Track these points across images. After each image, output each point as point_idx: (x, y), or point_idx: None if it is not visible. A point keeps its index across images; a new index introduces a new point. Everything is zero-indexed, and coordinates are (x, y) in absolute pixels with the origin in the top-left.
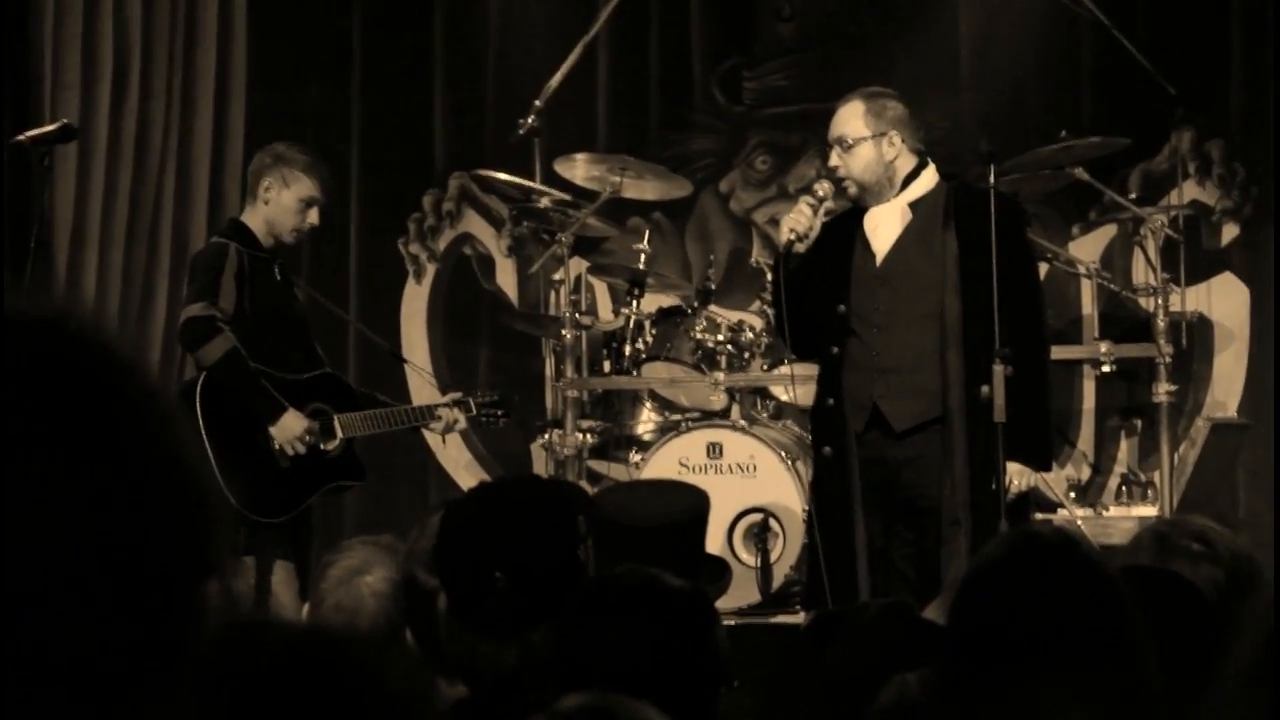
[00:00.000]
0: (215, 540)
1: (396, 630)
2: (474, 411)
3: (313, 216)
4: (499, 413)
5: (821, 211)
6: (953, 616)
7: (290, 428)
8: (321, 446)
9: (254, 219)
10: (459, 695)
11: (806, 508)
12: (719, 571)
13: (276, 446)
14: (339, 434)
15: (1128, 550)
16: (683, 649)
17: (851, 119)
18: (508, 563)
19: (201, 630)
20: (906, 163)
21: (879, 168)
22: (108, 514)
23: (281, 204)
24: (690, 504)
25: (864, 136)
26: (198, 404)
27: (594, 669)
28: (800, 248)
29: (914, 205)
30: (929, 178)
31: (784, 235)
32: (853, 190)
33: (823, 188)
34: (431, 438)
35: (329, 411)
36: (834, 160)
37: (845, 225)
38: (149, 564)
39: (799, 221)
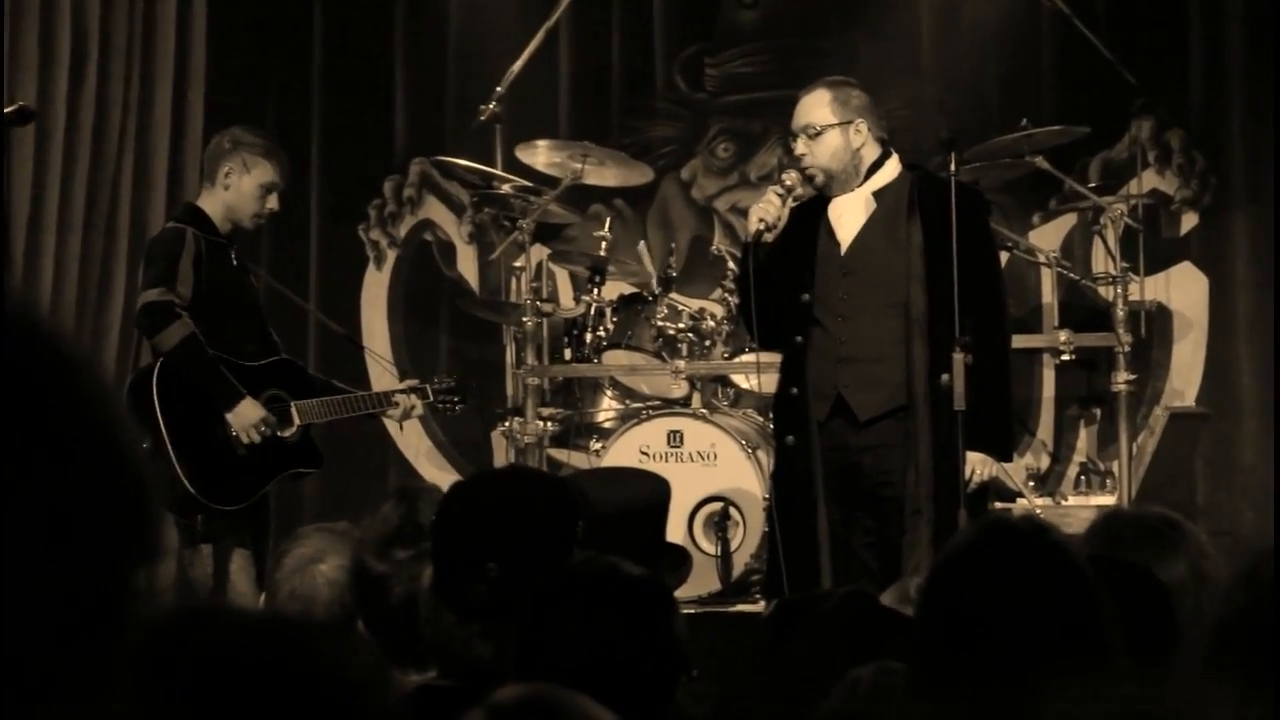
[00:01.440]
0: (150, 527)
1: (351, 618)
2: (430, 398)
3: (273, 202)
4: (455, 399)
5: (790, 201)
6: (923, 603)
7: (247, 415)
8: (279, 434)
9: (212, 204)
10: (416, 682)
11: (767, 497)
12: (679, 560)
13: (233, 434)
14: (296, 421)
15: (1086, 537)
16: (641, 637)
17: (817, 107)
18: (502, 554)
19: (135, 617)
20: (871, 151)
21: (846, 155)
22: (42, 500)
23: (242, 190)
24: (651, 491)
25: (831, 124)
26: (154, 389)
27: (551, 657)
28: (769, 238)
29: (878, 194)
30: (892, 167)
31: (752, 225)
32: (819, 179)
33: (790, 177)
34: (391, 425)
35: (285, 398)
36: (800, 149)
37: (809, 214)
38: (84, 551)
39: (768, 211)
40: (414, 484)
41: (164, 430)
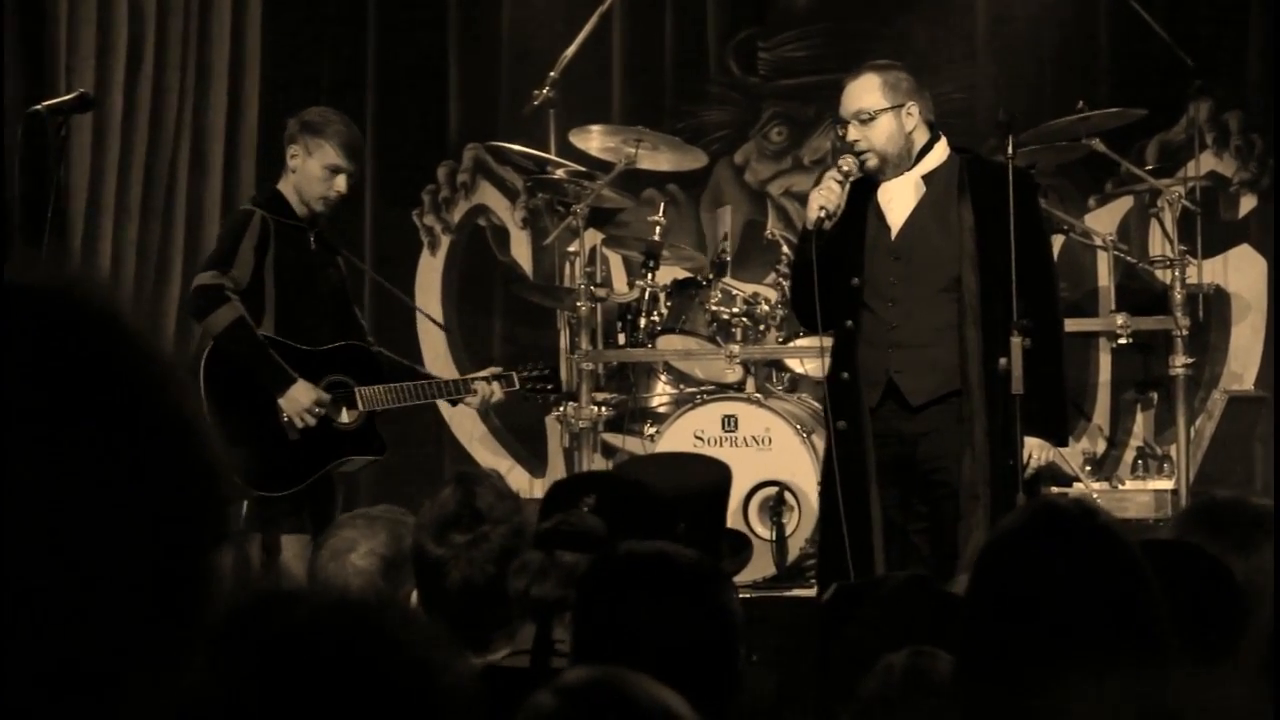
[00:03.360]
0: (224, 510)
1: (387, 604)
2: (517, 385)
3: (339, 184)
4: (549, 386)
5: (847, 187)
6: (972, 586)
7: (297, 399)
8: (335, 419)
9: (286, 187)
10: (482, 663)
11: (821, 482)
12: (739, 546)
13: (285, 418)
14: (360, 406)
15: (1178, 521)
16: (695, 622)
17: (869, 92)
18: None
19: (214, 601)
20: (921, 135)
21: (900, 139)
22: (117, 483)
23: (306, 172)
24: (711, 476)
25: (884, 108)
26: (202, 373)
27: (607, 642)
28: (829, 225)
29: (927, 178)
30: (941, 150)
31: (813, 212)
32: (873, 163)
33: (847, 162)
34: (444, 408)
35: (349, 383)
36: (853, 134)
37: (858, 198)
38: (160, 534)
39: (828, 198)
40: (473, 470)
41: (209, 413)
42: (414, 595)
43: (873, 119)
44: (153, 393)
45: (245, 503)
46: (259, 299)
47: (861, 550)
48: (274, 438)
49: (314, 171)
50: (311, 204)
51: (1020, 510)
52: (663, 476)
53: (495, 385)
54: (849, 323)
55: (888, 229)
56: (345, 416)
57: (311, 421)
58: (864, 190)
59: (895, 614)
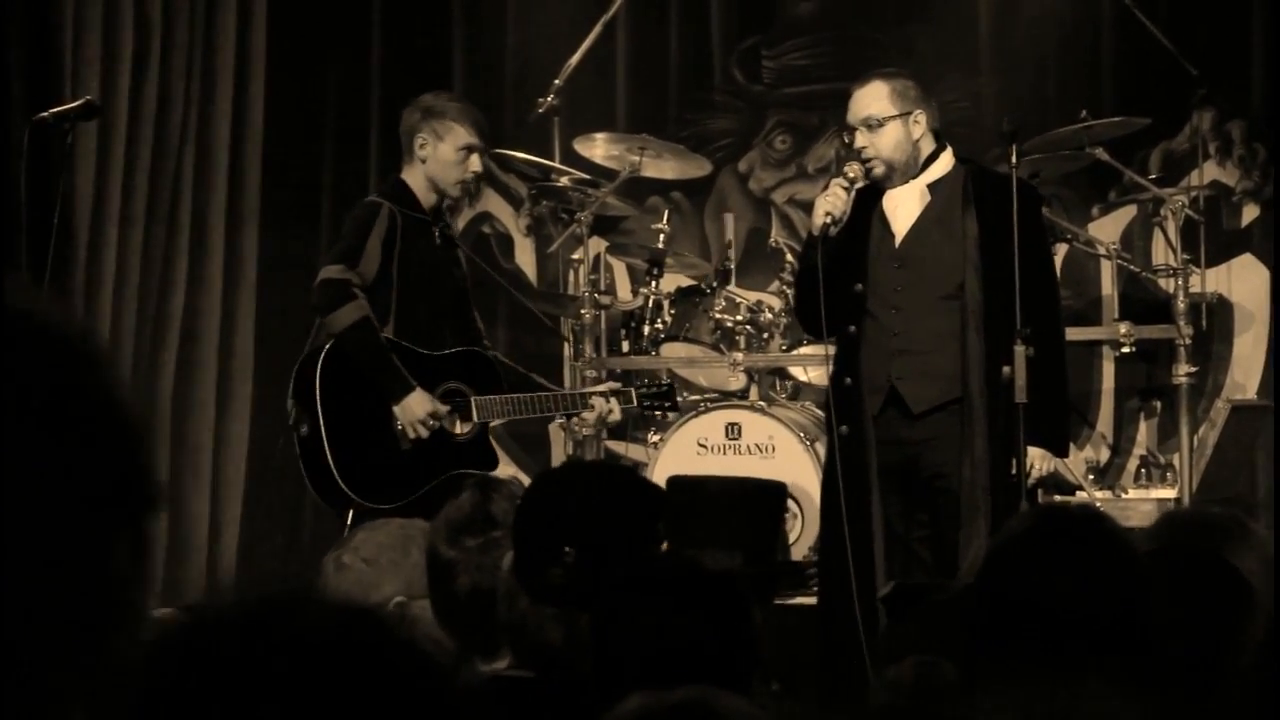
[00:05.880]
0: (148, 470)
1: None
2: (634, 402)
3: (474, 164)
4: (666, 404)
5: (853, 194)
6: (977, 590)
7: (412, 409)
8: (450, 430)
9: (414, 178)
10: (488, 671)
11: (822, 486)
12: (800, 579)
13: (399, 427)
14: (474, 418)
15: (1148, 536)
16: (715, 633)
17: (877, 99)
18: (580, 540)
19: (145, 566)
20: (928, 143)
21: (907, 146)
22: (43, 455)
23: (440, 158)
24: (769, 482)
25: (891, 115)
26: (318, 372)
27: (626, 649)
28: (835, 231)
29: (932, 187)
30: (946, 160)
31: (819, 219)
32: (879, 170)
33: (853, 169)
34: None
35: (466, 393)
36: (860, 141)
37: (864, 206)
38: (85, 497)
39: (834, 204)
40: (492, 475)
41: (321, 416)
42: (410, 603)
43: (880, 126)
44: (68, 368)
45: (350, 513)
46: (384, 297)
47: (863, 556)
48: (385, 447)
49: (448, 155)
50: (448, 190)
51: (1025, 514)
52: (722, 477)
53: (613, 402)
54: (852, 328)
55: (892, 236)
56: (460, 428)
57: (425, 434)
58: (869, 198)
59: (948, 620)
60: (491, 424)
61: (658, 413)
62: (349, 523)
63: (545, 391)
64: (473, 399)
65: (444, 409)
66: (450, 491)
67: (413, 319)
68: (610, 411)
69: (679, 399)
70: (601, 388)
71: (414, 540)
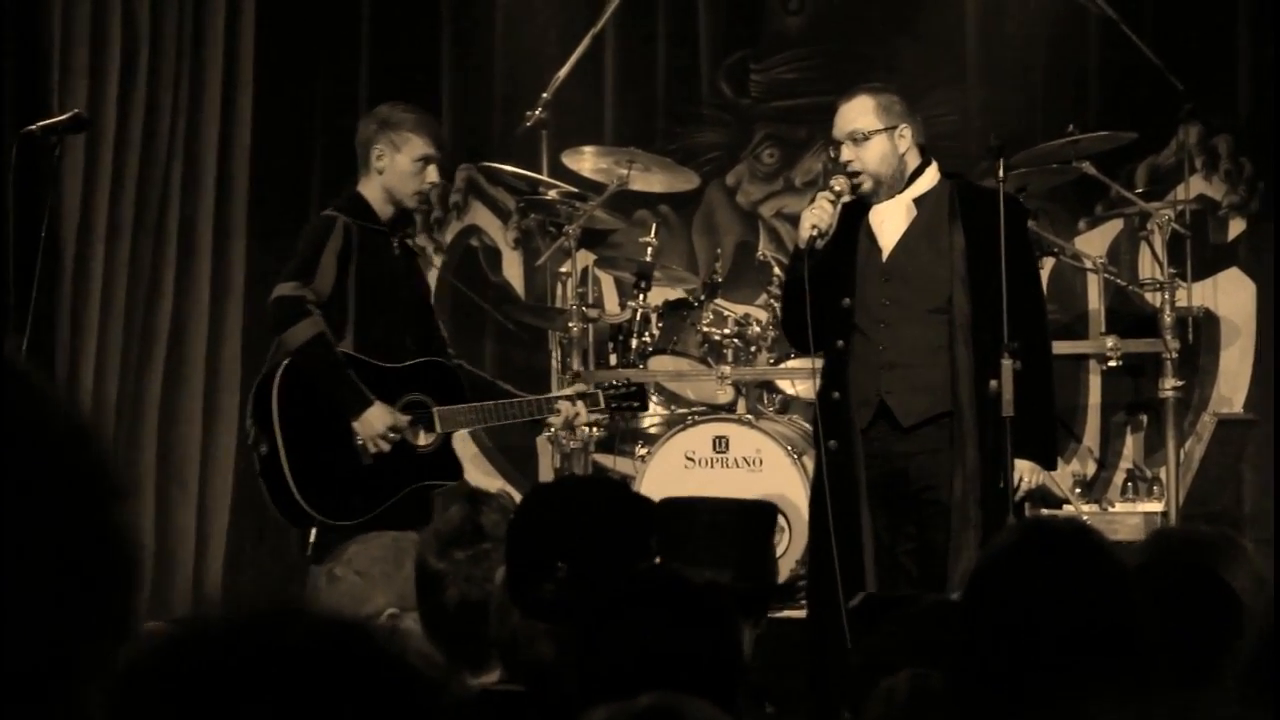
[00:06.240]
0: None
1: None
2: (602, 404)
3: (431, 174)
4: (634, 404)
5: (839, 207)
6: (965, 603)
7: (371, 423)
8: (413, 442)
9: (371, 189)
10: (478, 686)
11: (810, 501)
12: (789, 595)
13: (359, 442)
14: (437, 428)
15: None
16: (700, 646)
17: (864, 113)
18: (572, 555)
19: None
20: (914, 158)
21: (893, 161)
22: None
23: (397, 169)
24: (760, 503)
25: (877, 129)
26: (274, 390)
27: (612, 661)
28: (821, 244)
29: (918, 201)
30: (932, 174)
31: (805, 231)
32: (866, 185)
33: (839, 183)
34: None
35: (428, 404)
36: (846, 155)
37: (850, 221)
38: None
39: (820, 217)
40: (483, 489)
41: (279, 435)
42: (402, 615)
43: (866, 140)
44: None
45: (313, 530)
46: (340, 311)
47: (851, 569)
48: (346, 462)
49: (405, 166)
50: (405, 200)
51: (1013, 528)
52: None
53: (580, 405)
54: (840, 343)
55: (879, 250)
56: (422, 439)
57: (386, 447)
58: (855, 212)
59: (920, 633)
60: (458, 433)
61: (627, 414)
62: (311, 540)
63: (510, 399)
64: (435, 410)
65: (404, 421)
66: (415, 504)
67: (372, 332)
68: (577, 414)
69: (649, 399)
70: (568, 391)
71: (407, 553)
